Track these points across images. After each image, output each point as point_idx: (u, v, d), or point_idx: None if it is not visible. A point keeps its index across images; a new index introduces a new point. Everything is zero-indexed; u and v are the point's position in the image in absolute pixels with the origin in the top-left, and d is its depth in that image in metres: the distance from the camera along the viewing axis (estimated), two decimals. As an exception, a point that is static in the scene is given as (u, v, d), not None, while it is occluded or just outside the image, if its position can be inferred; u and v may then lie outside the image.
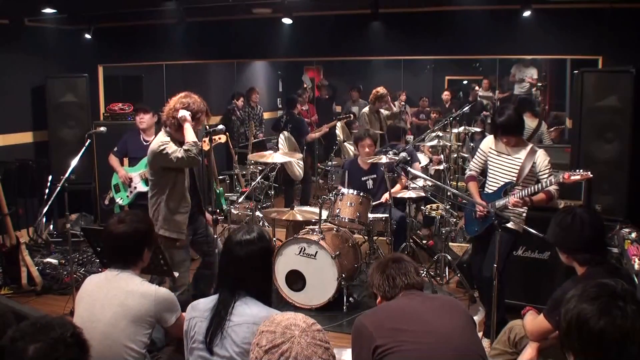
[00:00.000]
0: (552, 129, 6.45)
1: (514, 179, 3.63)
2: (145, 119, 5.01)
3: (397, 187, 5.17)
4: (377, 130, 6.23)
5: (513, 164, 3.65)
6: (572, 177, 3.33)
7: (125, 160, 5.34)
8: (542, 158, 3.58)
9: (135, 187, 4.97)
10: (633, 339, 1.48)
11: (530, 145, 3.67)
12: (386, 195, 4.94)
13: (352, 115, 7.43)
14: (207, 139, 3.94)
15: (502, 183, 3.69)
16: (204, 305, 2.22)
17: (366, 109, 6.63)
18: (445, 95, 8.32)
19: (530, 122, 6.13)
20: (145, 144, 4.98)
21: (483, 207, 3.64)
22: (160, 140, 3.63)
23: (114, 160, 5.11)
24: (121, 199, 5.06)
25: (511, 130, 3.59)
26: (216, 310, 2.17)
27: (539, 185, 3.48)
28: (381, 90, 6.61)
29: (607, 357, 1.49)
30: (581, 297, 1.55)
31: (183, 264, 3.77)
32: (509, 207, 3.61)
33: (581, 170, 3.35)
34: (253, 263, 2.24)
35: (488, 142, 3.84)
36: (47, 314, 2.79)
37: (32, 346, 1.34)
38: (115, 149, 5.16)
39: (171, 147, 3.56)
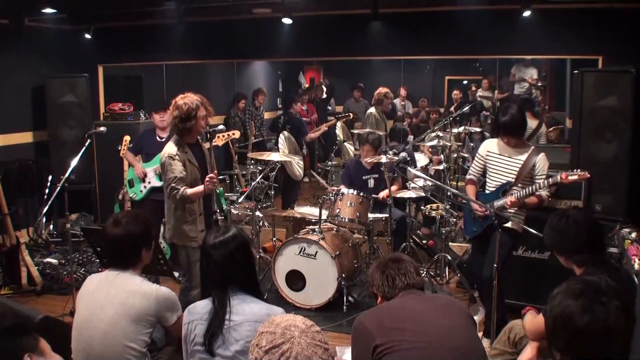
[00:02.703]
0: (552, 128, 6.45)
1: (513, 179, 3.63)
2: (165, 118, 4.99)
3: (394, 187, 5.17)
4: (383, 131, 6.25)
5: (513, 165, 3.65)
6: (570, 177, 3.33)
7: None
8: (542, 162, 3.57)
9: (149, 182, 5.00)
10: (617, 335, 1.48)
11: (532, 147, 3.66)
12: (383, 193, 4.95)
13: (350, 114, 7.44)
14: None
15: (501, 183, 3.69)
16: (201, 308, 2.22)
17: (372, 110, 6.60)
18: (455, 94, 8.35)
19: (530, 123, 6.13)
20: (160, 140, 5.01)
21: (480, 207, 3.64)
22: (167, 152, 3.62)
23: (129, 155, 5.09)
24: (135, 194, 5.07)
25: (514, 130, 3.58)
26: (214, 311, 2.17)
27: (536, 185, 3.48)
28: (383, 89, 6.62)
29: (592, 353, 1.50)
30: (565, 294, 1.56)
31: (197, 263, 3.73)
32: (507, 208, 3.61)
33: (578, 170, 3.35)
34: (234, 261, 2.25)
35: (486, 146, 3.84)
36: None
37: None
38: (131, 145, 5.16)
39: (171, 170, 3.57)
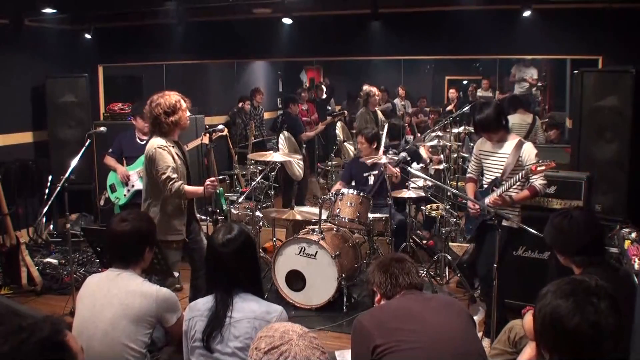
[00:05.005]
0: (545, 120, 6.49)
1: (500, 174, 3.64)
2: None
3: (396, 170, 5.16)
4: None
5: (500, 160, 3.66)
6: (539, 168, 3.38)
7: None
8: (528, 152, 3.55)
9: (133, 186, 4.91)
10: (607, 335, 1.47)
11: (517, 139, 3.66)
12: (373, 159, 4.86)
13: (345, 112, 7.47)
14: (206, 137, 3.91)
15: (492, 180, 3.71)
16: (202, 305, 2.24)
17: (362, 111, 6.65)
18: (451, 93, 8.37)
19: (526, 118, 6.14)
20: (140, 142, 4.96)
21: (474, 204, 3.66)
22: (156, 144, 3.54)
23: (110, 160, 5.00)
24: (118, 198, 4.96)
25: (488, 127, 3.61)
26: (215, 310, 2.18)
27: (514, 178, 3.49)
28: (367, 88, 6.63)
29: (582, 353, 1.49)
30: (555, 293, 1.55)
31: (175, 265, 3.74)
32: (492, 207, 3.60)
33: (546, 160, 3.39)
34: (241, 259, 2.27)
35: (478, 144, 3.88)
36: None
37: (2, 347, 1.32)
38: (110, 150, 5.08)
39: (163, 159, 3.47)
